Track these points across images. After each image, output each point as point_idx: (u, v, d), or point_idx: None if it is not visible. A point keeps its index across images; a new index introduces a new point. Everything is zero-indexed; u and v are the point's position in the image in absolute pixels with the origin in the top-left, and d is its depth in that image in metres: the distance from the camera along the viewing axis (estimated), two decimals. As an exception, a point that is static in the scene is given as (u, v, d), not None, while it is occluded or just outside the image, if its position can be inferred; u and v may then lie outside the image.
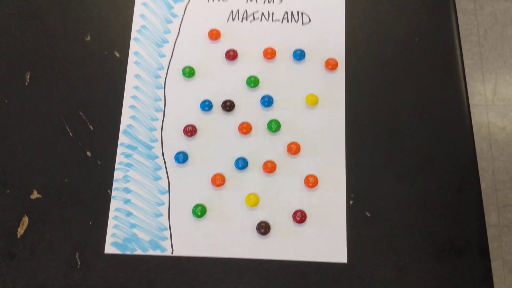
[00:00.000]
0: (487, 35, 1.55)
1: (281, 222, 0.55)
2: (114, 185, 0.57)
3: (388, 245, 0.54)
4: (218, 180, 0.56)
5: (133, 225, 0.56)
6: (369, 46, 0.62)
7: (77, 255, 0.55)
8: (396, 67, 0.61)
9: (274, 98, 0.60)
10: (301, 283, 0.53)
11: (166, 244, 0.55)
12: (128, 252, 0.55)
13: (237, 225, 0.55)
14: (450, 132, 0.58)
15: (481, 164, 1.41)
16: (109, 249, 0.55)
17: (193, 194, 0.57)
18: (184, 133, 0.59)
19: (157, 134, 0.59)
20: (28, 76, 0.62)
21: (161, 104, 0.60)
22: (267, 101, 0.59)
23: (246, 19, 0.64)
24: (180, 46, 0.63)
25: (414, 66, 0.61)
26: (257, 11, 0.64)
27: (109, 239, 0.55)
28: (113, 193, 0.57)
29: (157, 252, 0.55)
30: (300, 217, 0.55)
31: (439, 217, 0.55)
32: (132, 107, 0.60)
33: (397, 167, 0.57)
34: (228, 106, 0.59)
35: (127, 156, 0.58)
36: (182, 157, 0.57)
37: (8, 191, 0.57)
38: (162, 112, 0.60)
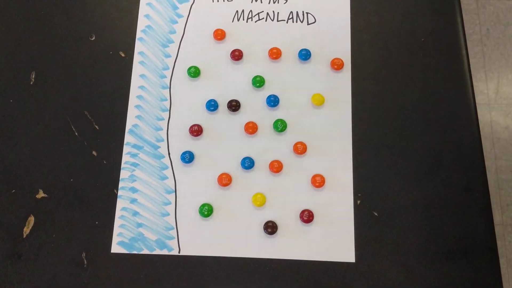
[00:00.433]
0: (489, 34, 1.55)
1: (288, 221, 0.55)
2: (120, 184, 0.57)
3: (395, 244, 0.54)
4: (225, 180, 0.56)
5: (139, 225, 0.56)
6: (375, 46, 0.62)
7: (83, 254, 0.55)
8: (401, 66, 0.61)
9: (280, 98, 0.60)
10: (309, 283, 0.53)
11: (173, 243, 0.55)
12: (134, 252, 0.55)
13: (244, 224, 0.55)
14: (456, 131, 0.58)
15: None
16: (115, 248, 0.55)
17: (200, 194, 0.57)
18: (190, 132, 0.59)
19: (163, 134, 0.59)
20: (33, 76, 0.62)
21: (167, 103, 0.60)
22: (273, 101, 0.59)
23: (251, 19, 0.64)
24: (186, 46, 0.63)
25: (420, 66, 0.61)
26: (262, 11, 0.64)
27: (115, 239, 0.55)
28: (119, 193, 0.57)
29: (164, 252, 0.55)
30: (307, 216, 0.55)
31: (447, 217, 0.55)
32: (137, 106, 0.60)
33: (404, 167, 0.57)
34: (234, 106, 0.59)
35: (133, 155, 0.58)
36: (188, 157, 0.57)
37: (13, 191, 0.57)
38: (168, 111, 0.60)
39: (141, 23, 0.64)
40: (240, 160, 0.57)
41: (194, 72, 0.61)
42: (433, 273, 0.53)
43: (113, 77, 0.61)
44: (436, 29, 0.62)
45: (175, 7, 0.64)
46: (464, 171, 0.56)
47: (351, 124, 0.59)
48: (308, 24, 0.63)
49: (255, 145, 0.58)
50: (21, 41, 0.63)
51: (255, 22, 0.64)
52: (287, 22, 0.63)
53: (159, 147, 0.59)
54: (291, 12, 0.64)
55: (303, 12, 0.64)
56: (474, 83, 1.49)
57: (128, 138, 0.59)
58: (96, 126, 0.59)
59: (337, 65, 0.60)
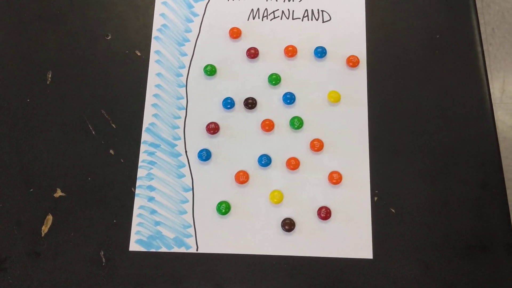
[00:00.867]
0: (494, 34, 1.55)
1: (305, 218, 0.55)
2: (138, 183, 0.57)
3: (413, 241, 0.54)
4: (242, 177, 0.56)
5: (157, 223, 0.56)
6: (390, 43, 0.62)
7: (101, 253, 0.55)
8: (417, 64, 0.61)
9: (296, 95, 0.60)
10: (327, 280, 0.53)
11: (191, 241, 0.55)
12: (153, 250, 0.55)
13: (261, 222, 0.55)
14: (472, 128, 0.58)
15: (491, 162, 1.40)
16: (133, 246, 0.55)
17: (217, 191, 0.57)
18: (206, 130, 0.59)
19: (180, 132, 0.59)
20: (50, 75, 0.62)
21: (183, 102, 0.60)
22: (289, 98, 0.59)
23: (267, 18, 0.64)
24: (201, 45, 0.63)
25: (435, 63, 0.61)
26: (277, 10, 0.64)
27: (133, 237, 0.55)
28: (137, 191, 0.57)
29: (182, 250, 0.55)
30: (325, 213, 0.55)
31: (464, 214, 0.55)
32: (154, 105, 0.60)
33: (421, 164, 0.57)
34: (250, 103, 0.59)
35: (150, 154, 0.58)
36: (205, 155, 0.58)
37: (31, 190, 0.57)
38: (185, 110, 0.60)
39: (157, 22, 0.64)
40: (257, 158, 0.58)
41: (210, 71, 0.61)
42: (451, 269, 0.53)
43: (130, 76, 0.62)
44: (451, 26, 0.62)
45: (190, 6, 0.65)
46: (480, 167, 0.57)
47: (367, 121, 0.59)
48: (323, 22, 0.63)
49: (272, 142, 0.58)
50: (37, 40, 0.63)
51: (271, 20, 0.64)
52: (302, 20, 0.64)
53: (176, 145, 0.59)
54: (306, 10, 0.64)
55: (318, 10, 0.64)
56: (481, 82, 1.49)
57: (145, 136, 0.59)
58: (113, 125, 0.60)
59: (352, 62, 0.61)
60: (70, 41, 0.63)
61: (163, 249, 0.55)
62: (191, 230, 0.56)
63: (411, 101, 0.59)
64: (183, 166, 0.58)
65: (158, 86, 0.61)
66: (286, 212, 0.56)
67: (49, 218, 0.56)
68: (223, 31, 0.64)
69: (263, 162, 0.57)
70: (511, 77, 1.49)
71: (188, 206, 0.56)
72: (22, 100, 0.61)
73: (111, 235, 0.56)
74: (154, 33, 0.64)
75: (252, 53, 0.62)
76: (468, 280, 0.53)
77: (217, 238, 0.55)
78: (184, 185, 0.57)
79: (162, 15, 0.64)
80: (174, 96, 0.61)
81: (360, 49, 0.62)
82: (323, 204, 0.56)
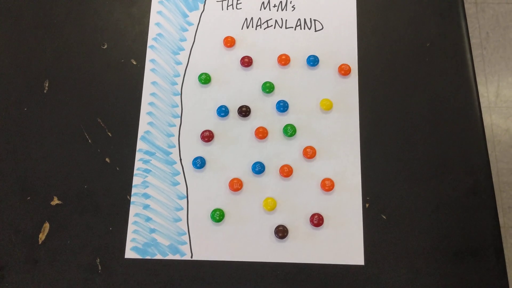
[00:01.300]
0: (489, 38, 1.57)
1: (298, 225, 0.56)
2: (133, 190, 0.58)
3: (404, 247, 0.55)
4: (236, 185, 0.57)
5: (152, 230, 0.57)
6: (381, 51, 0.63)
7: (98, 260, 0.56)
8: (408, 71, 0.62)
9: (289, 103, 0.61)
10: (320, 286, 0.54)
11: (185, 248, 0.56)
12: (148, 257, 0.56)
13: (255, 229, 0.56)
14: (462, 135, 0.59)
15: (486, 165, 1.41)
16: (129, 254, 0.56)
17: (211, 199, 0.58)
18: (201, 138, 0.60)
19: (174, 140, 0.60)
20: (47, 84, 0.63)
21: (178, 110, 0.61)
22: (282, 106, 0.60)
23: (260, 27, 0.65)
24: (196, 54, 0.64)
25: (426, 71, 0.62)
26: (271, 19, 0.65)
27: (129, 244, 0.56)
28: (132, 199, 0.58)
29: (177, 257, 0.56)
30: (317, 220, 0.56)
31: (454, 219, 0.56)
32: (149, 113, 0.61)
33: (411, 170, 0.58)
34: (244, 111, 0.60)
35: (146, 162, 0.59)
36: (199, 162, 0.58)
37: (28, 198, 0.58)
38: (179, 118, 0.61)
39: (152, 31, 0.65)
40: (251, 165, 0.58)
41: (205, 79, 0.62)
42: (441, 275, 0.54)
43: (125, 85, 0.63)
44: (441, 34, 0.63)
45: (185, 15, 0.66)
46: (470, 173, 0.58)
47: (359, 128, 0.60)
48: (315, 31, 0.65)
49: (266, 150, 0.59)
50: (34, 50, 0.64)
51: (264, 29, 0.65)
52: (295, 29, 0.65)
53: (171, 153, 0.60)
54: (299, 19, 0.65)
55: (310, 19, 0.65)
56: (475, 86, 1.50)
57: (140, 144, 0.60)
58: (109, 133, 0.60)
59: (344, 70, 0.62)
60: (66, 50, 0.64)
61: (158, 256, 0.56)
62: (185, 238, 0.56)
63: (402, 108, 0.61)
64: (178, 173, 0.59)
65: (153, 94, 0.62)
66: (279, 219, 0.57)
67: (46, 226, 0.57)
68: (218, 40, 0.65)
69: (256, 170, 0.58)
70: (506, 81, 1.50)
71: (182, 214, 0.57)
72: (19, 109, 0.62)
73: (107, 242, 0.56)
74: (150, 42, 0.65)
75: (246, 62, 0.63)
76: (458, 285, 0.54)
77: (211, 245, 0.56)
78: (178, 193, 0.58)
79: (158, 24, 0.65)
80: (169, 104, 0.62)
81: (351, 58, 0.63)
82: (315, 211, 0.57)
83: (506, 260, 1.33)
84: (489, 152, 1.43)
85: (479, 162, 0.58)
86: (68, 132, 0.61)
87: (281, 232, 0.55)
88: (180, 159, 0.59)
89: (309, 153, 0.58)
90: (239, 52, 0.64)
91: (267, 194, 0.58)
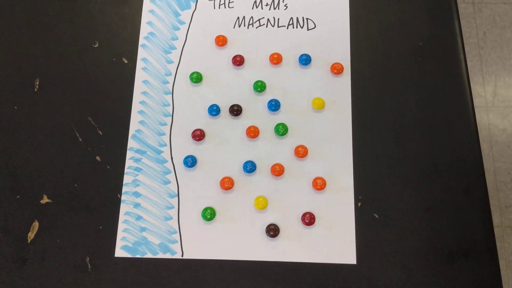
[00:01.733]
0: (486, 38, 1.57)
1: (290, 224, 0.56)
2: (124, 189, 0.58)
3: (396, 246, 0.55)
4: (227, 184, 0.57)
5: (143, 229, 0.56)
6: (374, 50, 0.63)
7: (87, 259, 0.55)
8: (400, 71, 0.62)
9: (281, 102, 0.61)
10: (311, 285, 0.54)
11: (176, 247, 0.56)
12: (138, 256, 0.55)
13: (246, 227, 0.56)
14: (455, 135, 0.59)
15: (483, 166, 1.41)
16: (119, 252, 0.56)
17: (202, 198, 0.57)
18: (192, 137, 0.59)
19: (165, 139, 0.60)
20: (38, 83, 0.62)
21: (169, 109, 0.61)
22: (274, 105, 0.60)
23: (252, 25, 0.65)
24: (188, 52, 0.64)
25: (418, 70, 0.62)
26: (263, 18, 0.65)
27: (119, 243, 0.56)
28: (123, 197, 0.58)
29: (167, 255, 0.55)
30: (309, 219, 0.55)
31: (447, 219, 0.56)
32: (140, 112, 0.61)
33: (404, 170, 0.58)
34: (236, 110, 0.60)
35: (136, 160, 0.59)
36: (191, 161, 0.58)
37: (18, 196, 0.58)
38: (171, 117, 0.61)
39: (144, 30, 0.65)
40: (242, 164, 0.58)
41: (196, 78, 0.62)
42: (434, 275, 0.54)
43: (117, 83, 0.62)
44: (434, 34, 0.63)
45: (177, 14, 0.65)
46: (463, 174, 0.57)
47: (351, 127, 0.59)
48: (308, 29, 0.64)
49: (257, 149, 0.59)
50: (25, 48, 0.64)
51: (256, 28, 0.65)
52: (287, 28, 0.64)
53: (162, 151, 0.59)
54: (291, 18, 0.65)
55: (303, 18, 0.65)
56: (472, 86, 1.50)
57: (131, 143, 0.60)
58: (100, 132, 0.60)
59: (337, 69, 0.61)
60: (57, 49, 0.64)
61: (149, 255, 0.55)
62: (176, 236, 0.56)
63: (395, 108, 0.60)
64: (169, 172, 0.58)
65: (144, 93, 0.62)
66: (270, 218, 0.56)
67: (36, 224, 0.57)
68: (209, 39, 0.64)
69: (248, 169, 0.58)
70: (503, 81, 1.50)
71: (173, 212, 0.57)
72: (9, 107, 0.61)
73: (97, 241, 0.56)
74: (141, 41, 0.64)
75: (238, 61, 0.62)
76: (451, 285, 0.53)
77: (202, 244, 0.56)
78: (169, 191, 0.58)
79: (149, 23, 0.65)
80: (160, 103, 0.61)
81: (344, 57, 0.63)
82: (307, 210, 0.56)
83: (504, 260, 1.32)
84: (486, 151, 1.43)
85: (472, 162, 0.58)
86: (58, 131, 0.60)
87: (273, 231, 0.55)
88: (171, 158, 0.59)
89: (301, 152, 0.58)
90: (231, 51, 0.64)
91: (259, 193, 0.57)
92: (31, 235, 0.56)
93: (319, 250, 0.55)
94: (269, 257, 0.55)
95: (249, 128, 0.59)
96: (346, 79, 0.62)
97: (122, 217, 0.57)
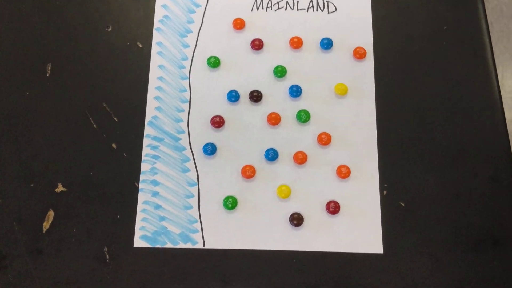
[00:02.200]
0: (493, 28, 1.55)
1: (314, 213, 0.54)
2: (141, 177, 0.56)
3: (423, 235, 0.53)
4: (249, 172, 0.55)
5: (162, 218, 0.55)
6: (397, 34, 0.61)
7: (105, 249, 0.54)
8: (424, 55, 0.60)
9: (303, 88, 0.59)
10: (337, 275, 0.52)
11: (197, 236, 0.54)
12: (158, 246, 0.54)
13: (269, 217, 0.54)
14: (482, 120, 0.57)
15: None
16: (138, 242, 0.54)
17: (223, 186, 0.56)
18: (211, 124, 0.57)
19: (183, 126, 0.58)
20: (50, 68, 0.60)
21: (187, 95, 0.59)
22: (295, 91, 0.58)
23: (271, 8, 0.63)
24: (204, 36, 0.62)
25: (443, 54, 0.60)
26: (282, 0, 0.63)
27: (138, 233, 0.54)
28: (141, 186, 0.56)
29: (188, 245, 0.54)
30: (333, 208, 0.54)
31: (474, 207, 0.54)
32: (157, 98, 0.59)
33: (430, 156, 0.56)
34: (256, 96, 0.58)
35: (154, 148, 0.57)
36: (210, 149, 0.56)
37: (32, 185, 0.56)
38: (188, 103, 0.59)
39: (158, 13, 0.62)
40: (263, 152, 0.56)
41: (214, 62, 0.60)
42: (462, 264, 0.53)
43: (131, 68, 0.60)
44: (458, 17, 0.61)
45: (193, -3, 0.63)
46: (490, 160, 0.56)
47: (375, 113, 0.58)
48: (328, 12, 0.62)
49: (279, 136, 0.57)
50: (36, 32, 0.62)
51: (275, 11, 0.62)
52: (307, 11, 0.62)
53: (180, 139, 0.57)
54: (311, 0, 0.63)
55: (323, 0, 0.63)
56: (479, 77, 1.48)
57: (148, 130, 0.58)
58: (115, 118, 0.58)
59: (359, 54, 0.60)
60: (69, 33, 0.62)
61: (169, 245, 0.54)
62: (197, 226, 0.54)
63: (419, 93, 0.59)
64: (188, 160, 0.57)
65: (160, 78, 0.60)
66: (294, 206, 0.55)
67: (51, 214, 0.55)
68: (226, 22, 0.62)
69: (270, 156, 0.56)
70: (510, 71, 1.49)
71: (193, 201, 0.55)
72: (21, 94, 0.59)
73: (115, 231, 0.54)
74: (156, 24, 0.62)
75: (257, 45, 0.60)
76: (479, 274, 0.52)
77: (224, 234, 0.54)
78: (189, 180, 0.56)
79: (164, 6, 0.63)
80: (177, 88, 0.59)
81: (366, 41, 0.61)
82: (331, 198, 0.55)
83: None
84: (493, 143, 1.41)
85: (499, 149, 0.56)
86: (72, 117, 0.58)
87: (296, 220, 0.53)
88: (190, 145, 0.57)
89: (324, 140, 0.56)
90: (249, 34, 0.62)
91: (281, 181, 0.55)
92: (46, 225, 0.54)
93: (345, 239, 0.53)
94: (292, 247, 0.53)
95: (270, 114, 0.57)
96: (369, 63, 0.60)
97: (140, 206, 0.55)
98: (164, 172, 0.56)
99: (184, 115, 0.58)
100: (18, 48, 0.61)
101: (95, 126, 0.58)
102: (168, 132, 0.58)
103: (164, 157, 0.57)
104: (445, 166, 0.56)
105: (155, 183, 0.56)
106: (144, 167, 0.56)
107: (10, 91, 0.59)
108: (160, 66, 0.60)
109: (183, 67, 0.60)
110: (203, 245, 0.54)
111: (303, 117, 0.57)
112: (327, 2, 0.63)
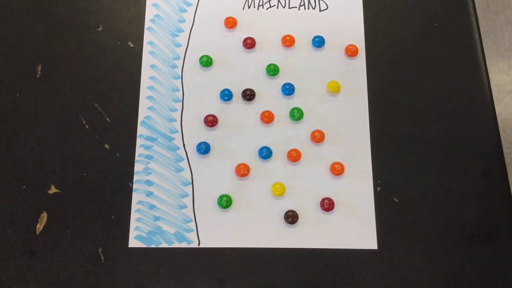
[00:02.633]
0: (480, 22, 1.56)
1: (308, 210, 0.55)
2: (135, 177, 0.56)
3: (417, 230, 0.54)
4: (243, 170, 0.55)
5: (157, 218, 0.54)
6: (388, 32, 0.61)
7: (100, 250, 0.53)
8: (416, 52, 0.61)
9: (295, 86, 0.59)
10: (332, 271, 0.53)
11: (192, 236, 0.54)
12: (153, 246, 0.54)
13: (264, 214, 0.55)
14: (473, 116, 0.58)
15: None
16: (133, 243, 0.54)
17: (217, 185, 0.56)
18: (204, 123, 0.57)
19: (177, 125, 0.58)
20: (40, 69, 0.60)
21: (179, 94, 0.59)
22: (288, 89, 0.58)
23: (262, 7, 0.63)
24: (196, 35, 0.61)
25: (434, 51, 0.60)
26: (273, -2, 0.63)
27: (132, 233, 0.54)
28: (135, 186, 0.56)
29: (183, 245, 0.54)
30: (328, 205, 0.54)
31: (467, 202, 0.55)
32: (149, 98, 0.59)
33: (422, 152, 0.57)
34: (249, 95, 0.58)
35: (147, 148, 0.57)
36: (204, 148, 0.56)
37: (24, 187, 0.55)
38: (181, 102, 0.59)
39: (149, 12, 0.62)
40: (257, 150, 0.56)
41: (206, 62, 0.60)
42: (456, 258, 0.53)
43: (123, 68, 0.60)
44: (448, 14, 0.62)
45: (184, -5, 0.63)
46: (482, 156, 0.57)
47: (368, 110, 0.58)
48: (320, 10, 0.62)
49: (272, 134, 0.57)
50: (25, 32, 0.61)
51: (266, 9, 0.63)
52: (298, 9, 0.62)
53: (173, 138, 0.57)
54: (303, -1, 0.63)
55: (314, -2, 0.63)
56: (467, 72, 1.50)
57: (141, 130, 0.57)
58: (108, 119, 0.58)
59: (351, 51, 0.60)
60: (60, 33, 0.61)
61: (164, 245, 0.54)
62: (192, 225, 0.54)
63: (411, 90, 0.59)
64: (182, 159, 0.57)
65: (152, 78, 0.59)
66: (288, 204, 0.55)
67: (44, 215, 0.54)
68: (218, 20, 0.62)
69: (263, 155, 0.56)
70: (496, 66, 1.51)
71: (188, 201, 0.55)
72: (11, 95, 0.58)
73: (109, 231, 0.54)
74: (147, 23, 0.62)
75: (249, 43, 0.60)
76: (473, 268, 0.53)
77: (219, 232, 0.54)
78: (183, 179, 0.56)
79: (155, 5, 0.63)
80: (169, 88, 0.59)
81: (358, 38, 0.61)
82: (325, 195, 0.55)
83: None
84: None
85: (490, 144, 0.57)
86: (64, 118, 0.58)
87: (291, 217, 0.54)
88: (184, 145, 0.57)
89: (317, 137, 0.57)
90: (241, 33, 0.62)
91: (275, 179, 0.56)
92: (39, 227, 0.54)
93: (340, 236, 0.54)
94: (288, 244, 0.54)
95: (263, 113, 0.58)
96: (361, 61, 0.60)
97: (134, 206, 0.55)
98: (158, 172, 0.56)
99: (177, 115, 0.58)
100: (8, 49, 0.60)
101: (87, 126, 0.58)
102: (161, 132, 0.57)
103: (158, 157, 0.57)
104: (438, 161, 0.56)
105: (149, 183, 0.56)
106: (138, 167, 0.56)
107: None
108: (152, 66, 0.60)
109: (175, 66, 0.60)
110: (198, 244, 0.54)
111: (296, 115, 0.57)
112: (319, 0, 0.63)
